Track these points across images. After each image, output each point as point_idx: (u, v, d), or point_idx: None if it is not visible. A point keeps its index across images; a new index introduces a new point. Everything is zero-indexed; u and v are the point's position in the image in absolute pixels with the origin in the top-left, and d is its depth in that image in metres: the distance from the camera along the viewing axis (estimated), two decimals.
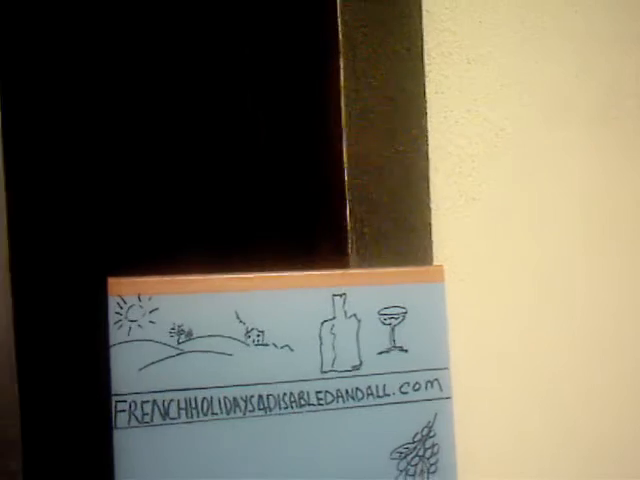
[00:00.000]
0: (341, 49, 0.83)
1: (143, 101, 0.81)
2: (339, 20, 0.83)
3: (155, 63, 0.81)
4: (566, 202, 0.93)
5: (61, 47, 0.79)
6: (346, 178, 0.83)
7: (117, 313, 0.68)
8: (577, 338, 0.94)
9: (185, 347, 0.69)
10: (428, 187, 0.84)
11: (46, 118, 0.78)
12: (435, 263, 0.84)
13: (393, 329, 0.75)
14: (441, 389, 0.76)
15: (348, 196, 0.83)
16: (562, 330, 0.93)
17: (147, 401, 0.68)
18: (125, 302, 0.68)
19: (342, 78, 0.83)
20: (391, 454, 0.74)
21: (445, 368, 0.76)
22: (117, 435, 0.68)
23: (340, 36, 0.83)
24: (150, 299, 0.69)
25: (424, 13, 0.84)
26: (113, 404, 0.68)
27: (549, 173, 0.92)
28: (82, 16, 0.79)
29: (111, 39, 0.80)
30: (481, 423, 0.88)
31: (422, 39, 0.83)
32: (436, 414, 0.75)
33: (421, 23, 0.83)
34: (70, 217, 0.79)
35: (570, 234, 0.93)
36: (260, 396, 0.71)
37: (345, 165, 0.83)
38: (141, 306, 0.69)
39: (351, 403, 0.73)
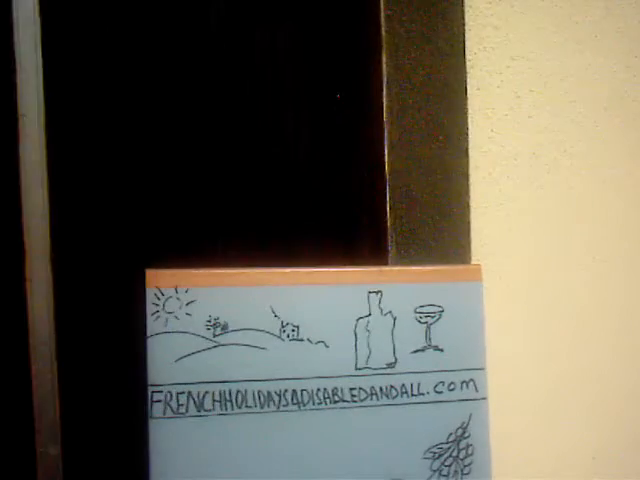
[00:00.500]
0: (384, 44, 0.82)
1: (184, 97, 0.82)
2: (382, 15, 0.82)
3: (204, 63, 0.82)
4: (608, 202, 0.91)
5: (108, 46, 0.80)
6: (387, 175, 0.83)
7: (154, 304, 0.69)
8: (618, 338, 0.92)
9: (221, 340, 0.70)
10: (468, 185, 0.84)
11: (87, 114, 0.79)
12: (473, 262, 0.83)
13: (429, 327, 0.74)
14: (476, 389, 0.75)
15: (389, 192, 0.83)
16: (603, 330, 0.91)
17: (182, 392, 0.69)
18: (162, 294, 0.69)
19: (384, 74, 0.83)
20: (424, 453, 0.74)
21: (481, 368, 0.75)
22: (152, 425, 0.69)
23: (383, 31, 0.82)
24: (187, 291, 0.70)
25: (466, 9, 0.83)
26: (149, 394, 0.69)
27: (592, 173, 0.90)
28: (125, 20, 0.80)
29: (165, 48, 0.81)
30: (517, 424, 0.87)
31: (464, 35, 0.83)
32: (471, 415, 0.75)
33: (463, 18, 0.83)
34: (109, 210, 0.80)
35: (610, 233, 0.92)
36: (294, 391, 0.71)
37: (386, 162, 0.83)
38: (178, 298, 0.70)
39: (385, 401, 0.73)
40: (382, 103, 0.83)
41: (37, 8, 0.77)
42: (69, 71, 0.79)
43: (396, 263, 0.82)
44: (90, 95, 0.79)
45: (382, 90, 0.82)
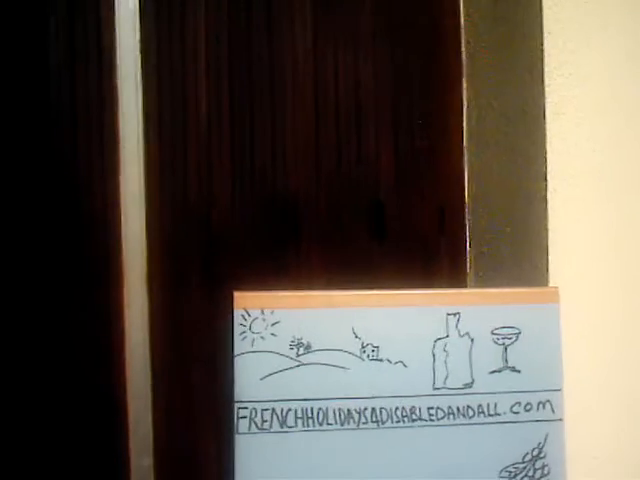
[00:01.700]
0: (464, 71, 0.84)
1: (269, 124, 0.85)
2: (463, 43, 0.84)
3: (293, 89, 0.85)
4: None
5: (202, 82, 0.84)
6: (466, 198, 0.84)
7: (242, 325, 0.73)
8: None
9: (304, 359, 0.73)
10: (546, 209, 0.84)
11: (181, 145, 0.84)
12: (551, 284, 0.84)
13: (506, 349, 0.75)
14: (553, 410, 0.76)
15: (468, 215, 0.84)
16: None
17: (267, 409, 0.72)
18: (249, 315, 0.73)
19: (464, 99, 0.84)
20: (500, 472, 0.75)
21: (558, 390, 0.76)
22: (238, 439, 0.72)
23: (464, 59, 0.84)
24: (272, 313, 0.73)
25: (545, 35, 0.83)
26: (235, 410, 0.72)
27: None
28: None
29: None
30: (594, 446, 0.87)
31: (543, 60, 0.83)
32: (547, 435, 0.75)
33: (542, 44, 0.83)
34: (200, 236, 0.84)
35: None
36: (373, 409, 0.74)
37: (465, 185, 0.84)
38: (264, 319, 0.73)
39: (462, 420, 0.75)
40: (462, 127, 0.84)
41: (138, 46, 0.81)
42: (166, 104, 0.83)
43: (474, 285, 0.84)
44: (182, 128, 0.83)
45: (462, 115, 0.84)
